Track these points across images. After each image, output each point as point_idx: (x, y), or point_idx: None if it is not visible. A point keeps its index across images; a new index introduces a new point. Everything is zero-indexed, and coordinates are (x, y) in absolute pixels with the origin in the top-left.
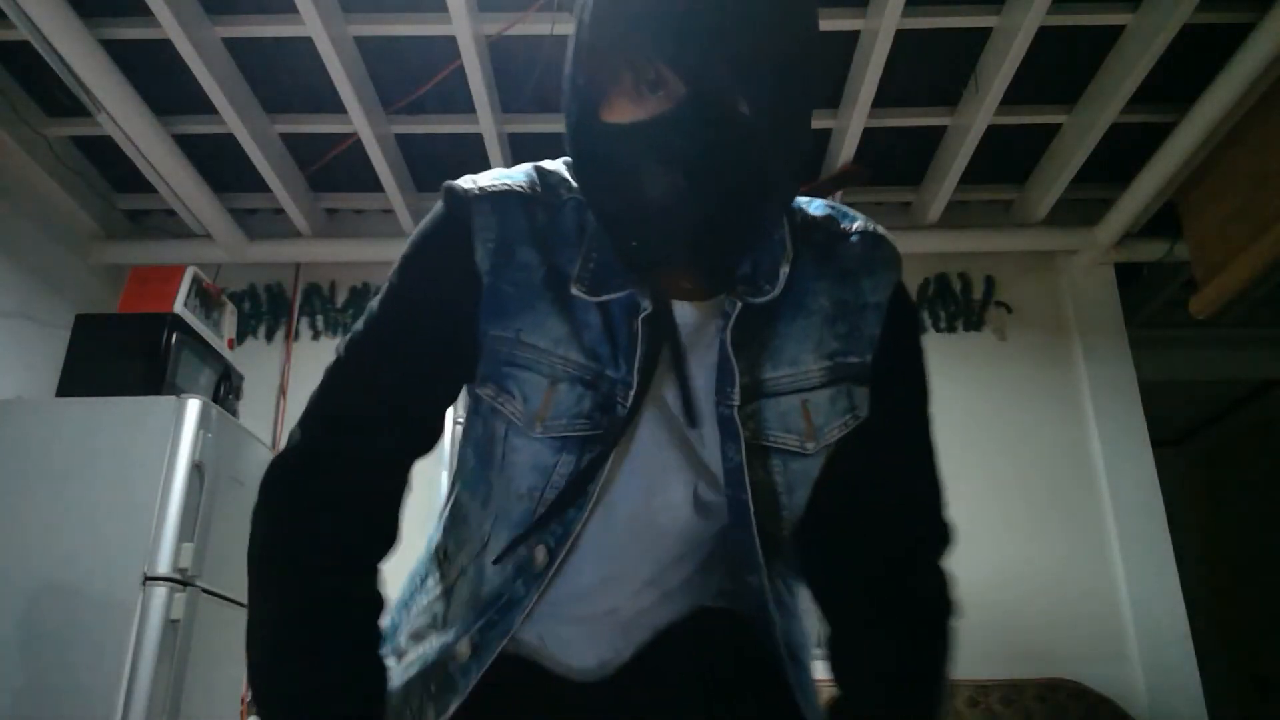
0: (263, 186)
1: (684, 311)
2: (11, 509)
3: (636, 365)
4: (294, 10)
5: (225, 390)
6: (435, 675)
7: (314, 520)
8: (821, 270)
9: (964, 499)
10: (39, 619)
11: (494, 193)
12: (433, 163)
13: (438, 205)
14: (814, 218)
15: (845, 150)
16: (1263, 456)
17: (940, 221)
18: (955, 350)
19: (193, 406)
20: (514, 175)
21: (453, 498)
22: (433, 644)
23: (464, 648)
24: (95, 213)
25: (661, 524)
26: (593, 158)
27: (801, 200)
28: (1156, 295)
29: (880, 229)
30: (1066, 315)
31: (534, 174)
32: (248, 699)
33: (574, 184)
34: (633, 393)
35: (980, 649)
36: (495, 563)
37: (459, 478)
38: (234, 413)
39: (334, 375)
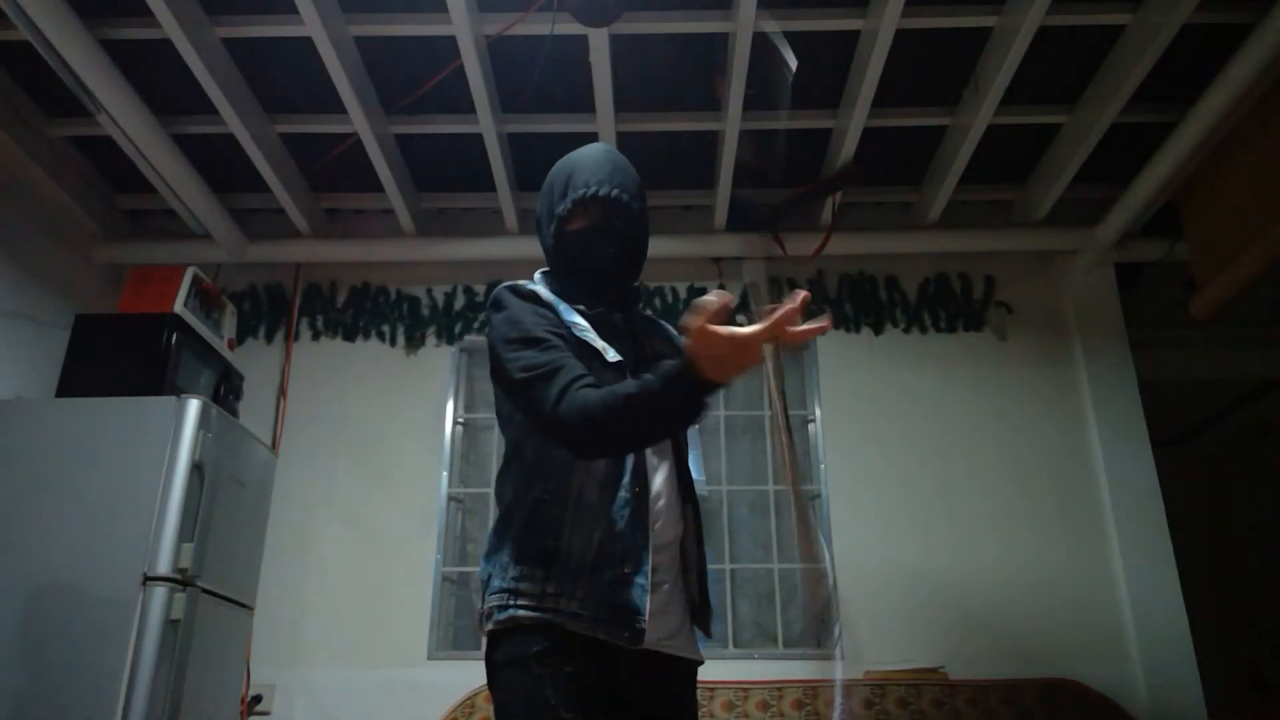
0: (263, 186)
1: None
2: (11, 509)
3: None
4: (294, 10)
5: (225, 390)
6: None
7: (604, 399)
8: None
9: (964, 499)
10: (39, 619)
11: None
12: (433, 163)
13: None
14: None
15: (845, 150)
16: (1263, 456)
17: (940, 221)
18: (955, 350)
19: (193, 406)
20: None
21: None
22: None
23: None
24: (95, 213)
25: None
26: (563, 240)
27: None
28: (1156, 295)
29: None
30: (1066, 315)
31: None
32: (248, 699)
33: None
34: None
35: (980, 649)
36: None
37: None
38: (234, 413)
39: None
